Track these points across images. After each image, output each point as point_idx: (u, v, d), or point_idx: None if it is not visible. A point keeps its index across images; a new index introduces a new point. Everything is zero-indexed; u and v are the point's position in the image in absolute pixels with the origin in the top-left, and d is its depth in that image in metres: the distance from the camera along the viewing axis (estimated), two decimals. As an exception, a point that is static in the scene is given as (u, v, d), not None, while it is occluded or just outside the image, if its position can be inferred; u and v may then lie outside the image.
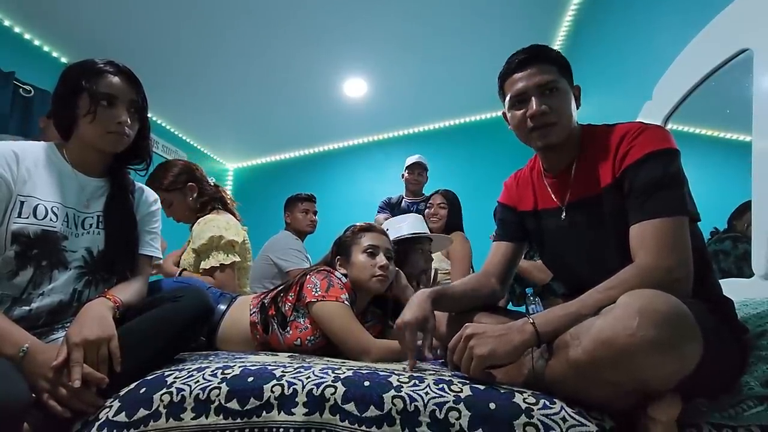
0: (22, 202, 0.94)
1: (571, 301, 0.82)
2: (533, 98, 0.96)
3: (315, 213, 2.72)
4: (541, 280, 2.25)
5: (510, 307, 2.35)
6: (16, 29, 2.82)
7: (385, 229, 1.86)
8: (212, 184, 1.90)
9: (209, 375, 0.83)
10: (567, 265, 1.06)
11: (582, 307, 0.78)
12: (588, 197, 0.97)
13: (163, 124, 4.16)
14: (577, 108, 1.02)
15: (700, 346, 0.64)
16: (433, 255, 1.97)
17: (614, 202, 0.91)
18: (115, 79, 1.02)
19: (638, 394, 0.69)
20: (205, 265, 1.67)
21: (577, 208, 0.99)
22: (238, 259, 1.74)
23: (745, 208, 1.38)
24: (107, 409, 0.78)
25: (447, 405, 0.73)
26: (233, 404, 0.77)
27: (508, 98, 1.02)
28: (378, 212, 3.03)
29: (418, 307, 0.96)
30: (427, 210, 2.53)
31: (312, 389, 0.78)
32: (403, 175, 3.08)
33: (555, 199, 1.04)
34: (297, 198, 2.70)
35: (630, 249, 0.86)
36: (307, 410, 0.76)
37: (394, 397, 0.75)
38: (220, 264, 1.67)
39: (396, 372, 0.83)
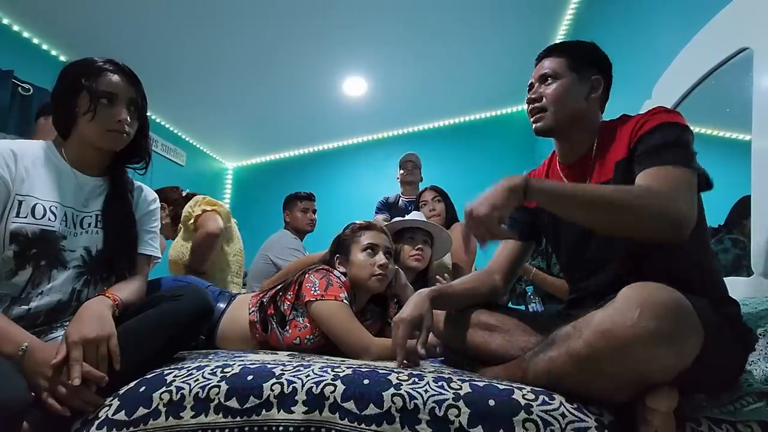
0: (20, 202, 0.94)
1: (573, 303, 0.81)
2: (535, 86, 1.06)
3: (314, 212, 2.70)
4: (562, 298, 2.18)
5: (510, 305, 2.35)
6: (15, 27, 2.82)
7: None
8: (183, 195, 2.09)
9: (209, 373, 0.83)
10: (579, 256, 1.04)
11: (578, 188, 0.84)
12: (604, 182, 0.97)
13: (163, 123, 4.15)
14: (590, 96, 1.04)
15: (700, 340, 0.65)
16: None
17: (625, 177, 0.92)
18: (115, 78, 1.02)
19: (638, 387, 0.69)
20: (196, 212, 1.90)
21: None
22: (221, 220, 1.92)
23: (746, 207, 1.37)
24: (107, 408, 0.78)
25: (446, 402, 0.73)
26: (233, 402, 0.77)
27: None
28: (376, 213, 2.95)
29: (415, 305, 0.97)
30: (422, 208, 2.41)
31: (311, 387, 0.78)
32: (398, 177, 3.00)
33: None
34: (296, 197, 2.69)
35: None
36: (306, 408, 0.76)
37: (393, 395, 0.75)
38: (203, 210, 1.90)
39: (395, 370, 0.83)
